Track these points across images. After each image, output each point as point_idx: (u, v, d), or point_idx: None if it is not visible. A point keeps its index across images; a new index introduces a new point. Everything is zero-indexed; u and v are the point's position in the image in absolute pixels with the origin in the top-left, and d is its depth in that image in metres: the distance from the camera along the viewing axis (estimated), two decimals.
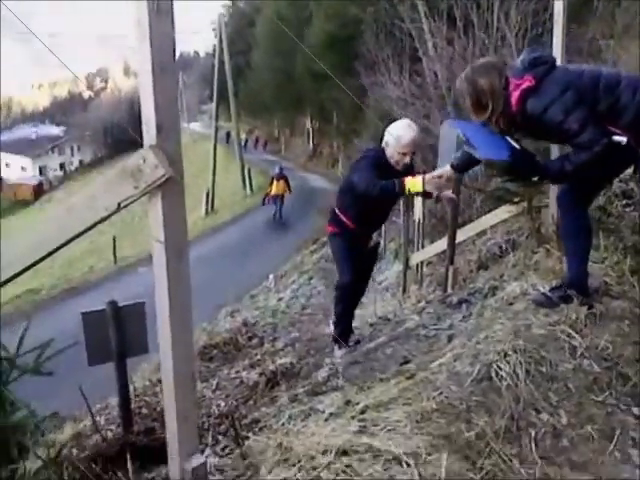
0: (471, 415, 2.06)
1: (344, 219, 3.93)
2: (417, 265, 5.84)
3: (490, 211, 4.48)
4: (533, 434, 2.06)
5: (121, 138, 59.46)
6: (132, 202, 1.44)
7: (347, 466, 1.77)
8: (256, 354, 5.09)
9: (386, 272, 8.98)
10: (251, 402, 3.48)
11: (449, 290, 4.22)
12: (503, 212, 4.31)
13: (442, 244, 4.81)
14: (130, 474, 2.13)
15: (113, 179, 1.50)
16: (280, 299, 10.08)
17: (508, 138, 2.78)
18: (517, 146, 2.77)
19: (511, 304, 3.11)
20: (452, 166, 3.26)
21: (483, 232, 4.76)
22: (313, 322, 6.23)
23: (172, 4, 1.41)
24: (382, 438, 1.89)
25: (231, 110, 30.05)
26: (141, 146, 1.48)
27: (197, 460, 1.68)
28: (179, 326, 1.57)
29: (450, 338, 3.09)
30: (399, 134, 3.70)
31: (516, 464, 1.92)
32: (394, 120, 3.99)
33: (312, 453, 1.85)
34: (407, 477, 1.71)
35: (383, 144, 3.80)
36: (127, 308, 3.23)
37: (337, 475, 1.74)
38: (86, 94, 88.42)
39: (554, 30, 3.82)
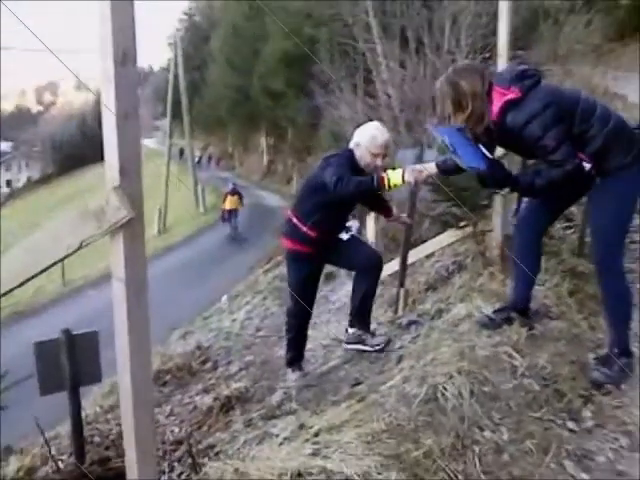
0: (419, 435, 2.18)
1: (304, 228, 3.59)
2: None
3: (438, 234, 4.64)
4: (477, 450, 2.19)
5: (71, 154, 58.28)
6: (94, 241, 1.50)
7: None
8: (210, 378, 5.10)
9: (339, 292, 9.10)
10: (205, 428, 3.51)
11: (399, 312, 4.36)
12: (450, 236, 4.50)
13: (393, 265, 4.95)
14: None
15: (76, 220, 1.58)
16: (234, 320, 10.03)
17: (482, 147, 2.80)
18: (490, 156, 2.81)
19: (457, 325, 3.26)
20: (437, 165, 3.24)
21: (432, 254, 4.93)
22: (267, 344, 6.27)
23: (136, 54, 1.49)
24: (334, 460, 1.98)
25: (185, 126, 29.88)
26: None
27: None
28: (138, 359, 1.63)
29: (400, 359, 3.21)
30: (373, 134, 3.52)
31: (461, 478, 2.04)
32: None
33: (267, 477, 1.93)
34: None
35: (352, 145, 3.58)
36: (80, 337, 3.24)
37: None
38: (35, 109, 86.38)
39: (499, 52, 4.01)
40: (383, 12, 14.48)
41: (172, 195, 27.63)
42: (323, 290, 11.16)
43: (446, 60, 13.34)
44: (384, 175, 3.21)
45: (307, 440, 2.18)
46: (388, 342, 3.74)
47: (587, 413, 2.54)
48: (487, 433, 2.30)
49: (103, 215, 1.48)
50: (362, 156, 3.52)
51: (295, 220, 3.66)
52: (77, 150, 58.66)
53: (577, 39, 18.33)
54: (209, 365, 5.58)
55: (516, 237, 3.21)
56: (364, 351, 3.76)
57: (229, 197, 20.93)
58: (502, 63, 3.88)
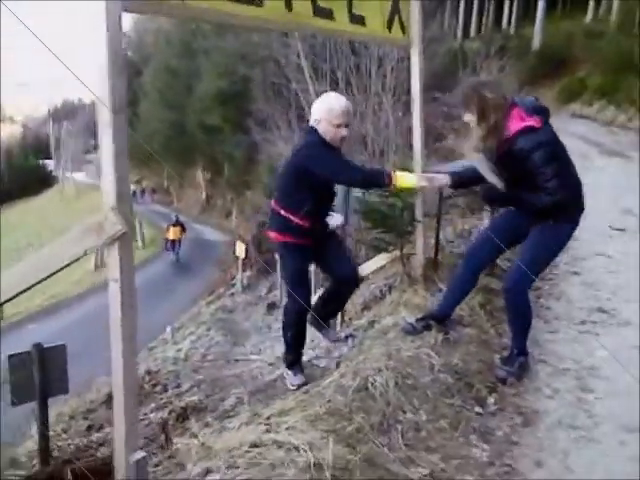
0: (352, 415, 2.64)
1: (296, 220, 3.48)
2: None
3: (370, 259, 5.18)
4: (399, 428, 2.67)
5: None
6: (95, 251, 1.92)
7: (258, 453, 2.28)
8: (162, 398, 5.34)
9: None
10: (162, 437, 3.79)
11: (338, 328, 4.82)
12: (381, 260, 5.03)
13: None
14: None
15: (78, 234, 1.96)
16: (179, 350, 10.25)
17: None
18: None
19: (385, 333, 3.77)
20: (451, 174, 3.45)
21: (366, 277, 5.45)
22: (215, 366, 6.57)
23: (126, 111, 1.93)
24: (284, 434, 2.42)
25: None
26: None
27: (139, 454, 2.12)
28: (128, 347, 2.03)
29: (338, 364, 3.68)
30: (330, 105, 3.43)
31: (386, 450, 2.51)
32: None
33: (229, 447, 2.34)
34: (303, 459, 2.25)
35: (313, 123, 3.47)
36: (50, 350, 3.52)
37: (250, 460, 2.24)
38: None
39: (412, 96, 4.61)
40: (314, 54, 15.23)
41: None
42: (265, 319, 11.60)
43: (373, 101, 14.26)
44: (393, 174, 3.31)
45: (260, 423, 2.60)
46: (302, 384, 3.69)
47: (491, 400, 3.10)
48: (409, 415, 2.79)
49: (102, 230, 1.90)
50: (325, 131, 3.42)
51: (284, 212, 3.53)
52: (3, 184, 56.77)
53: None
54: (159, 387, 5.81)
55: (462, 265, 3.63)
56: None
57: (172, 228, 22.47)
58: (416, 107, 4.48)
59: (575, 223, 3.28)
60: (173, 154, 37.34)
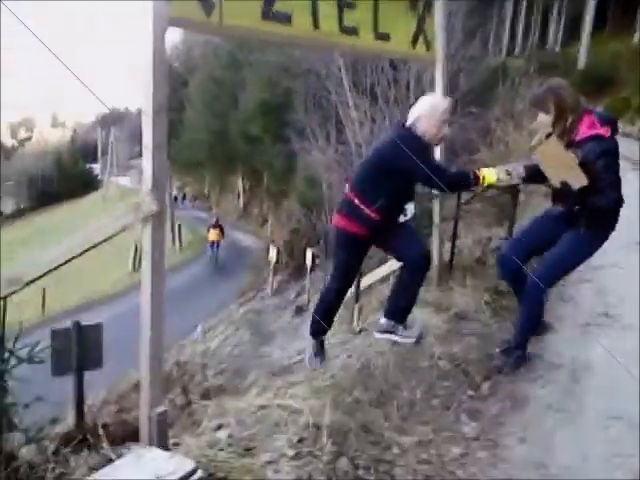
0: (352, 390, 2.94)
1: (367, 211, 3.44)
2: None
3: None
4: (395, 403, 2.96)
5: (46, 190, 58.53)
6: (134, 226, 2.29)
7: (264, 414, 2.61)
8: (188, 384, 5.73)
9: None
10: (182, 397, 4.07)
11: (354, 323, 5.12)
12: (396, 262, 5.31)
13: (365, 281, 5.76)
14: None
15: (119, 213, 2.34)
16: (208, 347, 10.68)
17: None
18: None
19: None
20: (525, 167, 3.49)
21: (387, 277, 5.74)
22: (240, 360, 6.95)
23: (166, 111, 2.29)
24: (288, 400, 2.74)
25: None
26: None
27: (161, 408, 2.46)
28: (157, 313, 2.39)
29: (350, 355, 3.98)
30: (435, 103, 3.54)
31: (381, 420, 2.81)
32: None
33: (240, 408, 2.67)
34: (303, 420, 2.56)
35: (411, 123, 3.50)
36: (88, 328, 3.93)
37: (257, 419, 2.57)
38: (10, 143, 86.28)
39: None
40: (354, 68, 15.61)
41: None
42: (292, 322, 11.94)
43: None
44: (479, 173, 3.39)
45: (269, 392, 2.93)
46: (420, 336, 3.69)
47: (485, 386, 3.35)
48: (405, 393, 3.09)
49: (139, 209, 2.26)
50: (426, 129, 3.45)
51: (357, 201, 3.49)
52: (52, 186, 58.92)
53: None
54: (187, 377, 6.19)
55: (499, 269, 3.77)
56: (395, 341, 3.65)
57: (212, 230, 23.55)
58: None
59: (607, 235, 3.38)
60: (215, 162, 38.29)
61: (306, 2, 3.26)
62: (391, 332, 3.65)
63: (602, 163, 3.11)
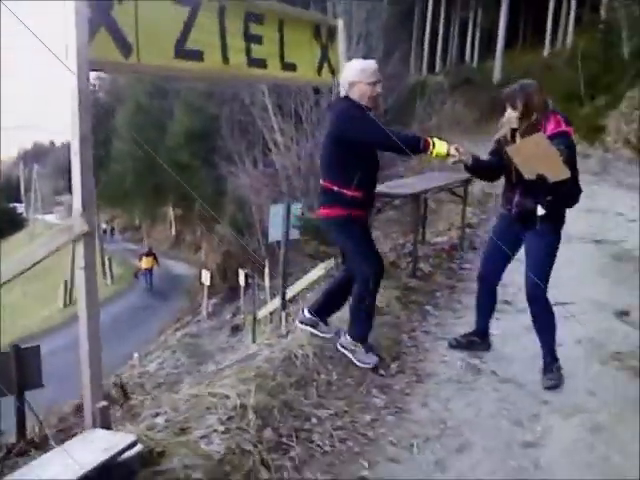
0: (276, 377, 3.33)
1: (350, 192, 3.51)
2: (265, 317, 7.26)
3: (311, 268, 5.92)
4: (315, 384, 3.37)
5: None
6: (65, 246, 2.60)
7: (196, 401, 2.96)
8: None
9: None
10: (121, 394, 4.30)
11: (282, 327, 5.51)
12: (320, 269, 5.78)
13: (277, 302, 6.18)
14: None
15: (52, 235, 2.64)
16: (145, 371, 10.77)
17: None
18: None
19: None
20: (474, 157, 3.54)
21: (314, 284, 6.18)
22: (178, 377, 7.17)
23: (91, 140, 2.64)
24: (218, 388, 3.09)
25: None
26: None
27: (103, 403, 2.76)
28: (93, 320, 2.69)
29: (273, 351, 4.36)
30: (362, 65, 3.60)
31: (302, 398, 3.21)
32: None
33: (174, 398, 3.01)
34: (232, 403, 2.93)
35: (345, 91, 3.62)
36: (26, 350, 4.15)
37: (189, 405, 2.92)
38: None
39: None
40: (278, 94, 16.14)
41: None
42: (229, 341, 12.19)
43: None
44: (430, 140, 3.36)
45: (201, 384, 3.27)
46: (377, 365, 3.70)
47: (394, 366, 3.81)
48: (323, 376, 3.49)
49: (72, 230, 2.58)
50: (362, 93, 3.54)
51: (337, 188, 3.55)
52: None
53: (455, 115, 21.05)
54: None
55: (479, 284, 3.98)
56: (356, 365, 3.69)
57: (144, 258, 24.02)
58: None
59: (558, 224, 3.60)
60: (145, 192, 37.89)
61: (216, 39, 3.66)
62: (350, 351, 3.71)
63: (569, 154, 3.29)
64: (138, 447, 2.39)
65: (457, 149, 3.43)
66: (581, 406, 3.31)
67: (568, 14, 28.66)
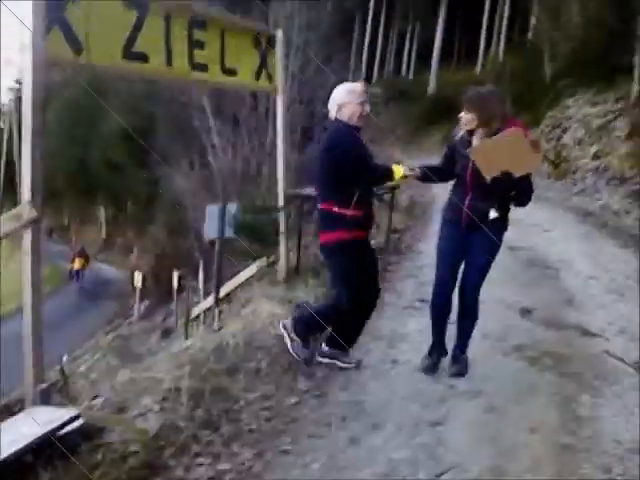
0: (207, 363, 3.58)
1: (350, 213, 3.55)
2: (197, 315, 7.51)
3: (244, 267, 6.19)
4: (243, 371, 3.65)
5: None
6: (15, 232, 2.77)
7: (132, 384, 3.17)
8: None
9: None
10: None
11: (215, 324, 5.75)
12: (253, 268, 6.05)
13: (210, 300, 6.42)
14: None
15: (3, 220, 2.80)
16: (74, 374, 10.63)
17: None
18: None
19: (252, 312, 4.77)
20: (421, 169, 3.74)
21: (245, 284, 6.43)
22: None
23: (43, 134, 2.82)
24: (153, 373, 3.33)
25: (19, 199, 29.08)
26: None
27: (44, 385, 2.93)
28: (37, 305, 2.87)
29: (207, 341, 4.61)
30: (350, 88, 3.69)
31: (232, 383, 3.47)
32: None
33: (112, 383, 3.22)
34: (166, 386, 3.16)
35: (335, 113, 3.67)
36: None
37: (126, 388, 3.13)
38: None
39: (277, 134, 5.71)
40: (217, 96, 16.22)
41: (4, 268, 26.59)
42: (161, 344, 12.18)
43: (272, 139, 15.43)
44: (393, 168, 3.65)
45: (138, 371, 3.49)
46: (359, 362, 3.93)
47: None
48: (252, 364, 3.78)
49: (21, 217, 2.75)
50: (351, 113, 3.61)
51: (337, 209, 3.59)
52: None
53: (389, 126, 21.72)
54: None
55: (436, 292, 3.91)
56: (340, 367, 3.87)
57: (77, 258, 24.40)
58: (280, 142, 5.60)
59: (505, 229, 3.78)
60: (75, 192, 36.86)
61: (161, 43, 3.89)
62: (332, 358, 3.88)
63: None
64: (79, 421, 2.59)
65: (410, 168, 3.70)
66: (481, 390, 3.72)
67: (500, 35, 30.15)
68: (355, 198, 3.53)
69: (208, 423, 3.02)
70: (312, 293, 5.13)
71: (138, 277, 15.31)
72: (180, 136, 18.26)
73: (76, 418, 2.54)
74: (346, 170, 3.54)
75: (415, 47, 36.89)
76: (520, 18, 27.06)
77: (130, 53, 3.52)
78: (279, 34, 5.28)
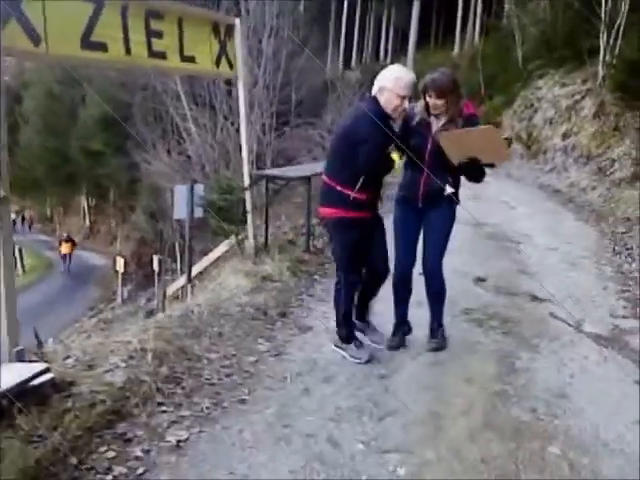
0: (172, 328, 3.87)
1: (353, 194, 3.47)
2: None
3: (216, 245, 6.47)
4: (208, 334, 3.94)
5: None
6: None
7: (101, 346, 3.45)
8: None
9: None
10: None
11: (188, 297, 6.03)
12: (225, 245, 6.33)
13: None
14: None
15: None
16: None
17: None
18: None
19: (220, 284, 5.05)
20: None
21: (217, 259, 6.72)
22: None
23: (5, 126, 3.05)
24: (121, 337, 3.61)
25: None
26: None
27: (19, 347, 3.19)
28: (9, 273, 3.12)
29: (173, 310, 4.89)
30: (398, 75, 3.45)
31: (195, 345, 3.76)
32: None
33: (83, 346, 3.50)
34: (133, 347, 3.45)
35: (375, 91, 3.51)
36: None
37: (95, 350, 3.41)
38: None
39: (240, 119, 5.98)
40: (191, 83, 16.36)
41: None
42: None
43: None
44: (393, 157, 3.50)
45: (107, 336, 3.77)
46: (370, 359, 3.81)
47: (279, 323, 4.43)
48: (215, 328, 4.07)
49: None
50: (388, 100, 3.44)
51: (340, 188, 3.51)
52: None
53: None
54: None
55: (399, 272, 3.95)
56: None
57: (64, 243, 25.32)
58: (243, 127, 5.86)
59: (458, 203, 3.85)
60: (57, 181, 36.70)
61: (118, 33, 4.13)
62: (342, 349, 3.86)
63: None
64: (50, 375, 2.87)
65: (397, 154, 3.57)
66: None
67: (475, 19, 30.45)
68: (360, 182, 3.45)
69: (171, 378, 3.31)
70: (278, 265, 5.42)
71: (120, 262, 15.54)
72: (157, 123, 18.36)
73: (47, 370, 2.82)
74: (357, 154, 3.42)
75: (392, 32, 37.07)
76: (496, 4, 27.33)
77: (89, 43, 3.73)
78: (237, 23, 5.51)
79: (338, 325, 3.88)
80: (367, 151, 3.40)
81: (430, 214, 3.81)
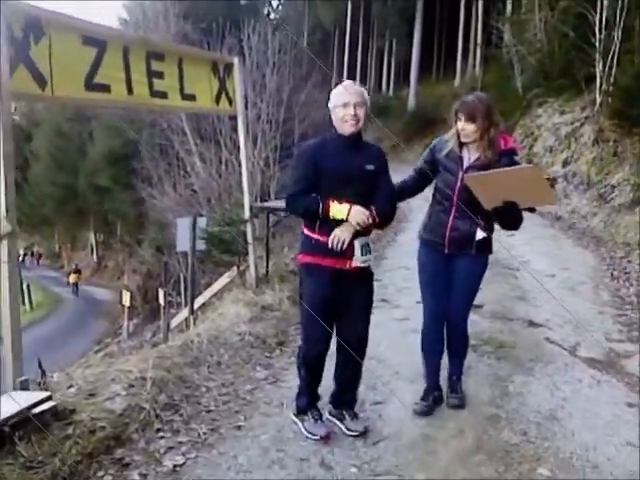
0: (172, 357, 3.97)
1: (315, 236, 3.04)
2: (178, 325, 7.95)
3: (218, 277, 6.60)
4: (206, 364, 4.03)
5: None
6: None
7: (103, 375, 3.56)
8: None
9: None
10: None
11: (190, 327, 6.13)
12: (227, 277, 6.46)
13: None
14: None
15: None
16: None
17: None
18: None
19: (220, 315, 5.15)
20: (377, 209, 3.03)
21: (218, 293, 6.84)
22: None
23: (14, 153, 3.22)
24: (122, 367, 3.70)
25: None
26: None
27: (22, 377, 3.29)
28: (15, 308, 3.25)
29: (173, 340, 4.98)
30: (337, 91, 3.06)
31: (194, 374, 3.86)
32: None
33: (85, 375, 3.60)
34: (133, 376, 3.54)
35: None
36: None
37: (97, 378, 3.51)
38: None
39: (241, 151, 6.15)
40: (197, 118, 16.69)
41: None
42: None
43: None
44: (330, 205, 2.92)
45: (109, 365, 3.88)
46: (366, 428, 3.27)
47: (277, 351, 4.51)
48: (215, 357, 4.17)
49: None
50: (337, 118, 3.04)
51: (306, 230, 3.11)
52: None
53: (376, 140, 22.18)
54: None
55: (428, 327, 3.55)
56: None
57: (72, 274, 28.63)
58: (243, 159, 6.04)
59: (491, 252, 3.46)
60: (65, 217, 37.15)
61: (121, 74, 4.33)
62: (338, 419, 3.33)
63: None
64: (52, 403, 2.97)
65: (362, 212, 2.96)
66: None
67: (475, 49, 31.02)
68: (317, 222, 3.02)
69: (170, 406, 3.41)
70: (278, 295, 5.53)
71: (126, 296, 15.68)
72: (163, 158, 18.67)
73: (49, 398, 2.92)
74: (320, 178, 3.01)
75: (393, 64, 37.78)
76: (496, 35, 27.91)
77: (92, 84, 3.93)
78: (235, 61, 5.74)
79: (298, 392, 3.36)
80: (288, 187, 3.16)
81: (458, 263, 3.37)
